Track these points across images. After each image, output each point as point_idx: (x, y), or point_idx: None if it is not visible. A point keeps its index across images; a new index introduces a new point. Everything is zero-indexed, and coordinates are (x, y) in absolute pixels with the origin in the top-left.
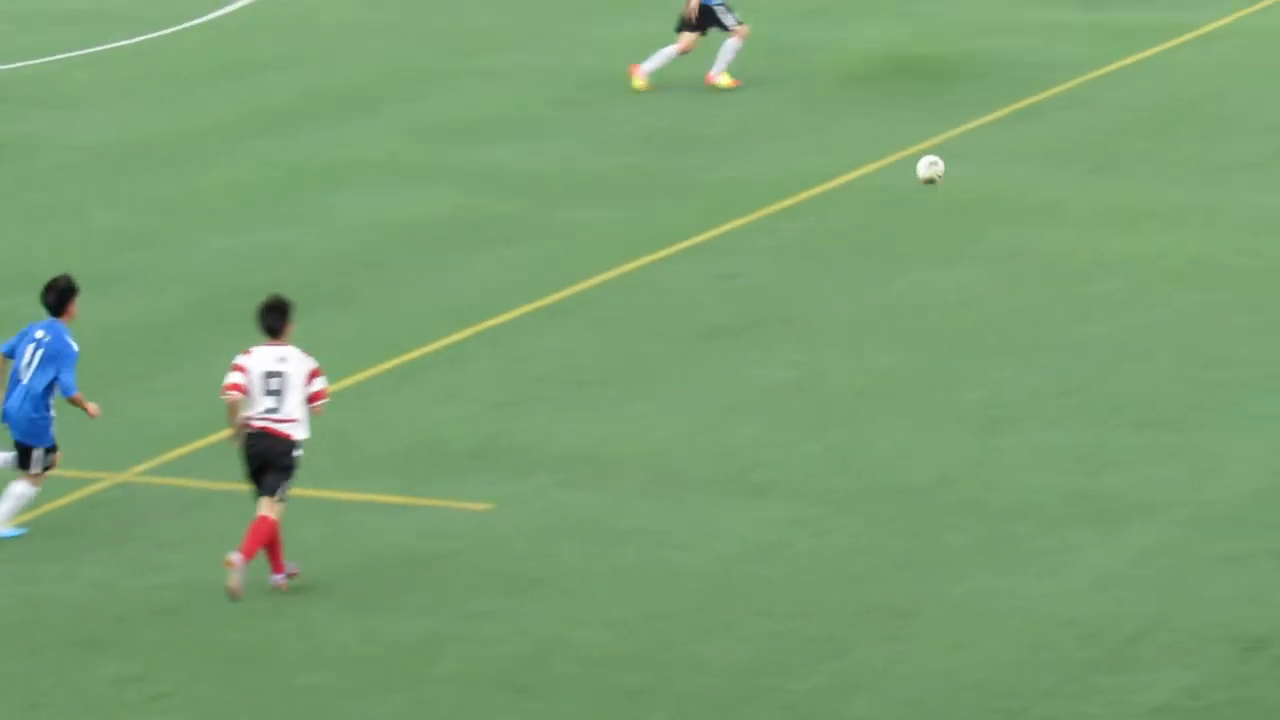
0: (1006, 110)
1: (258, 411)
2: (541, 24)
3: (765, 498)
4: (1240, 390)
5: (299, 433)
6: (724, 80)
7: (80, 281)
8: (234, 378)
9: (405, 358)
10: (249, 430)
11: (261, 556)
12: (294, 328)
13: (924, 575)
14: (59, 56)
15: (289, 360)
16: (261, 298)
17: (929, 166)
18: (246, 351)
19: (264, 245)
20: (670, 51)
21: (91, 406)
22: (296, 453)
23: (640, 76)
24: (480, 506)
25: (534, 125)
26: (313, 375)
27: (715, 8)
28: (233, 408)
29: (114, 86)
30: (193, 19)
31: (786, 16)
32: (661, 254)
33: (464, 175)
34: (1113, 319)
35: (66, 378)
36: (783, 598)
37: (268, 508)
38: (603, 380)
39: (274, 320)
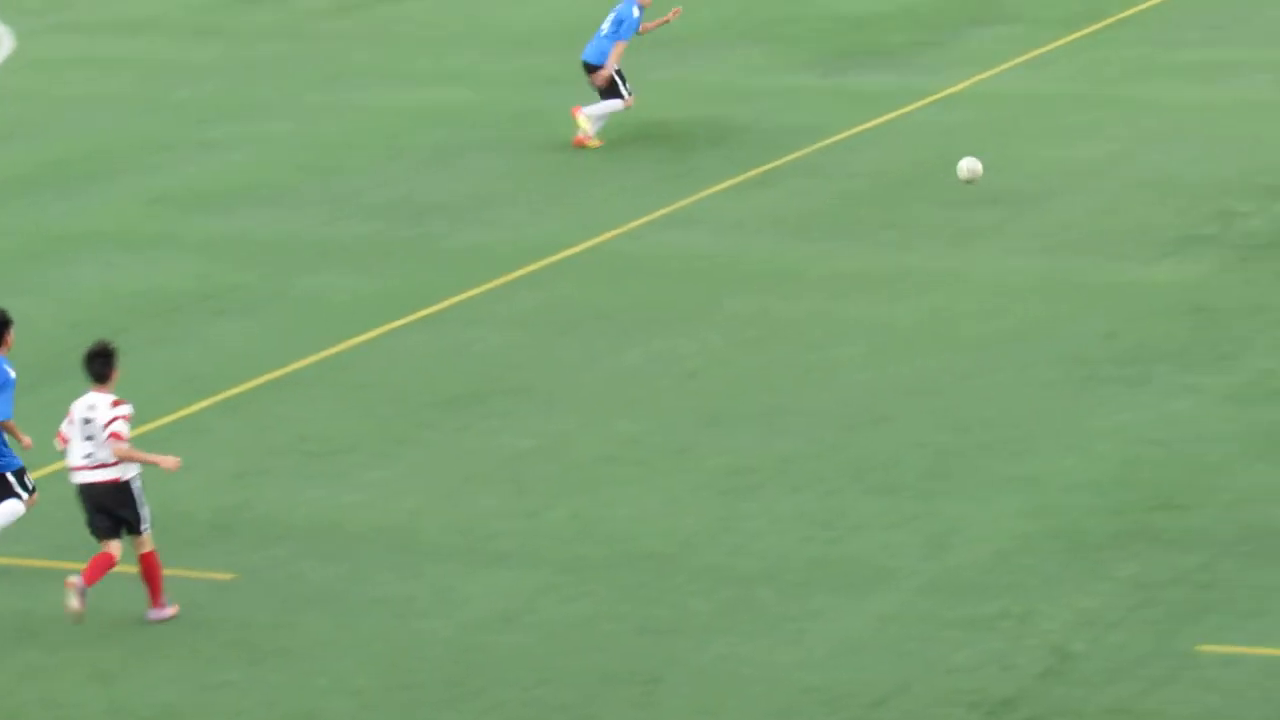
0: (745, 176)
1: (77, 456)
2: (279, 92)
3: (508, 565)
4: (980, 454)
5: (124, 473)
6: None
7: None
8: (62, 425)
9: (144, 429)
10: (78, 482)
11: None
12: (118, 374)
13: (668, 641)
14: None
15: (97, 407)
16: None
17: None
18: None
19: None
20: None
21: (25, 439)
22: (135, 487)
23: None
24: (223, 576)
25: (272, 193)
26: (114, 420)
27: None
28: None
29: None
30: None
31: (523, 83)
32: (401, 322)
33: (201, 244)
34: (852, 384)
35: (3, 400)
36: (527, 666)
37: (122, 548)
38: (344, 449)
39: (99, 366)
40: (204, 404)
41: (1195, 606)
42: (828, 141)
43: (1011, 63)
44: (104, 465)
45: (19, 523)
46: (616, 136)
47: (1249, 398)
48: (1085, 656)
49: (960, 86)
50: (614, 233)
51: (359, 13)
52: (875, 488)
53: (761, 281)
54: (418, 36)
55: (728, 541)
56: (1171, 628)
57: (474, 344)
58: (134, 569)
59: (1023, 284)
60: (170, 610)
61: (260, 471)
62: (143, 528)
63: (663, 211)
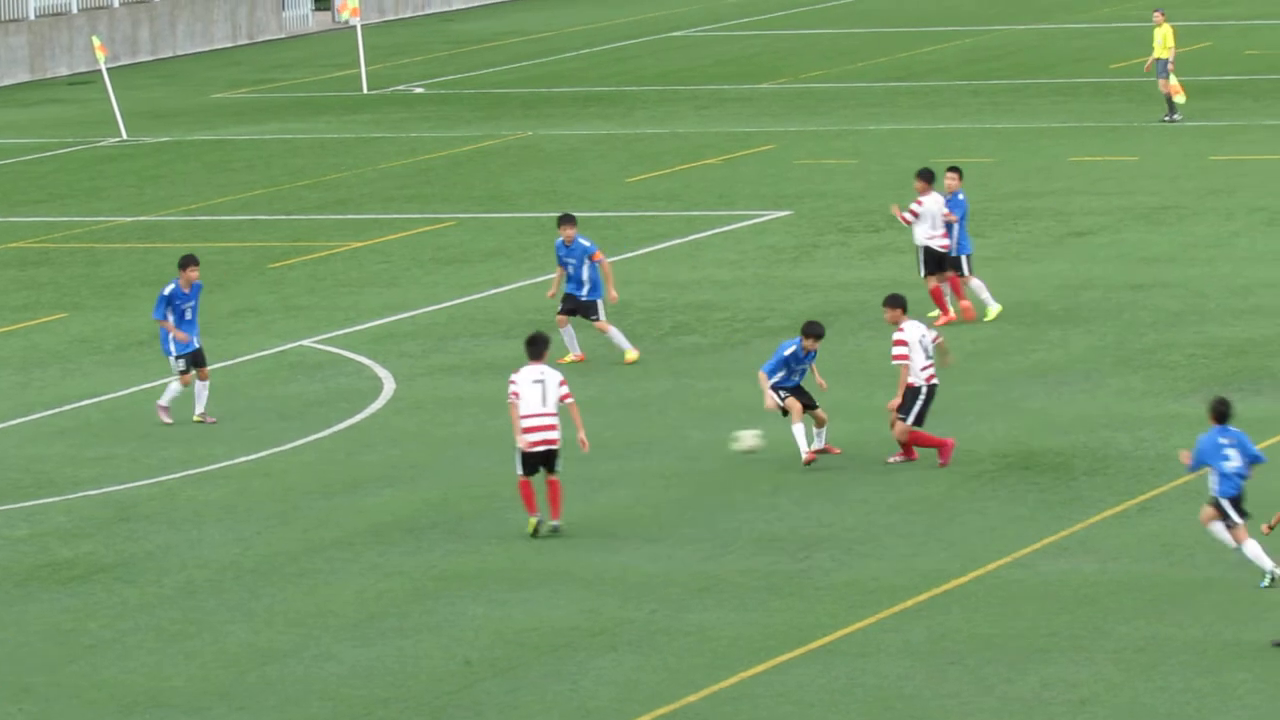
0: (1128, 504)
1: None
2: (662, 429)
3: None
4: None
5: None
6: None
7: (214, 700)
8: None
9: None
10: None
11: None
12: None
13: None
14: (179, 475)
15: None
16: (391, 710)
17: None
18: None
19: (393, 657)
20: None
21: None
22: None
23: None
24: None
25: (656, 529)
26: None
27: None
28: None
29: (232, 503)
30: (306, 436)
31: None
32: (789, 656)
33: (588, 580)
34: (1252, 710)
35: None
36: None
37: None
38: None
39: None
40: None
41: None
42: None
43: None
44: None
45: None
46: (997, 466)
47: None
48: None
49: None
50: (1000, 562)
51: (736, 351)
52: None
53: (1151, 607)
54: None
55: None
56: None
57: (865, 676)
58: None
59: None
60: None
61: None
62: None
63: (1048, 540)
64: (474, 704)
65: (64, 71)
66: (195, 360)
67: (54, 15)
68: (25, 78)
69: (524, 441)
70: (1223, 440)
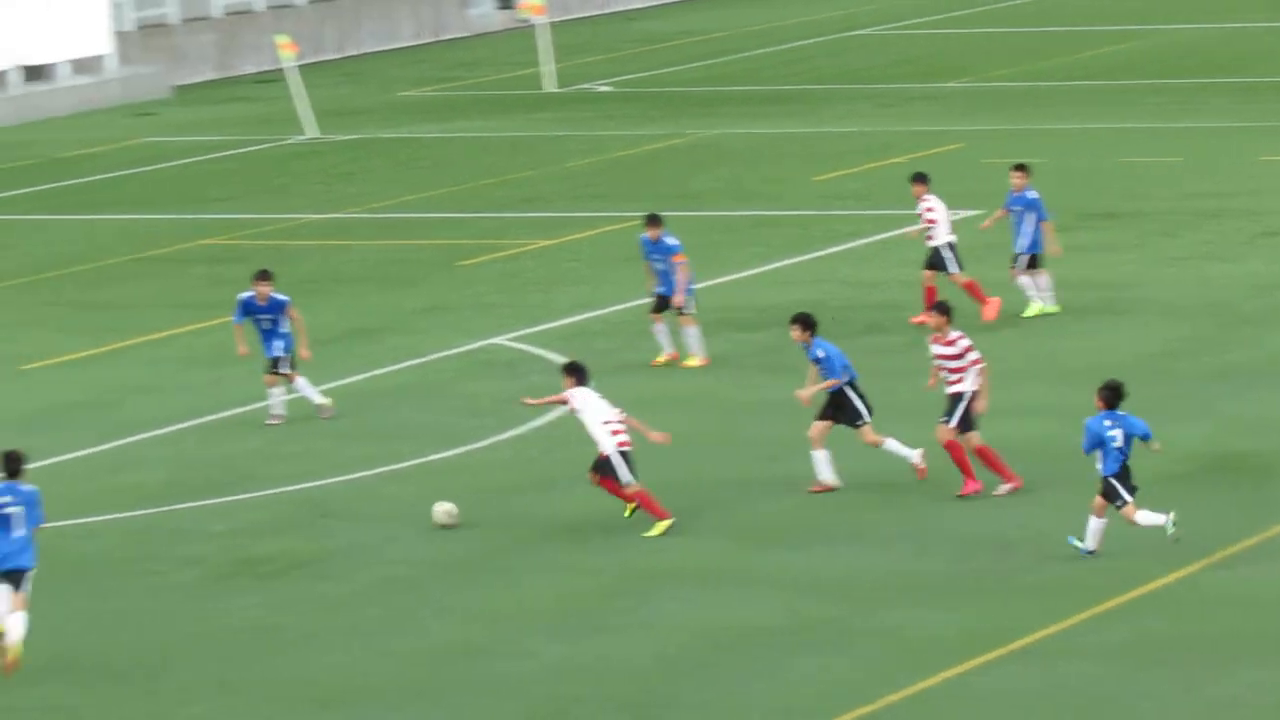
0: None
1: None
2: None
3: None
4: None
5: None
6: None
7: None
8: None
9: None
10: None
11: None
12: None
13: None
14: (374, 471)
15: None
16: (589, 708)
17: (446, 515)
18: None
19: (590, 654)
20: None
21: None
22: None
23: None
24: None
25: (851, 529)
26: None
27: None
28: None
29: (427, 500)
30: (500, 434)
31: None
32: (988, 657)
33: (782, 580)
34: None
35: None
36: None
37: None
38: None
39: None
40: None
41: None
42: None
43: None
44: None
45: None
46: (1192, 468)
47: None
48: None
49: None
50: (1199, 564)
51: (926, 350)
52: None
53: None
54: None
55: None
56: None
57: (1065, 677)
58: None
59: None
60: None
61: None
62: None
63: (1249, 542)
64: (672, 702)
65: (250, 69)
66: (272, 366)
67: (240, 14)
68: (212, 75)
69: (616, 442)
70: (1108, 422)
